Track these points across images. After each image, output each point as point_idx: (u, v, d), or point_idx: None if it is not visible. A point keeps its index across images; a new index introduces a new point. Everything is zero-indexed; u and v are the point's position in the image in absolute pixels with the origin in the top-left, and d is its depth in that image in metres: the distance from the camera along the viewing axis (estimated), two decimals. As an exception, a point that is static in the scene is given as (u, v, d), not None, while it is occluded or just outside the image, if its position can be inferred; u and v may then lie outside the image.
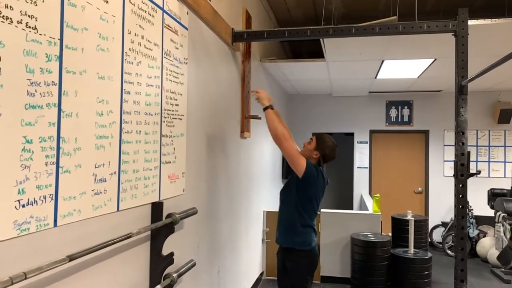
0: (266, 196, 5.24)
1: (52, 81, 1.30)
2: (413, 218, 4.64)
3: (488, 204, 6.22)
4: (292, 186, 2.67)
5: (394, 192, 7.36)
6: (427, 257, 4.41)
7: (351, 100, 7.51)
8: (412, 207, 6.95)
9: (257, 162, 4.69)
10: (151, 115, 1.99)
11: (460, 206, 2.92)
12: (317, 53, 5.16)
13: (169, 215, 2.06)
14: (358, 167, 7.53)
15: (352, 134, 7.56)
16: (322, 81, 6.09)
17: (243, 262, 4.06)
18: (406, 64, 4.86)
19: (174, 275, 2.06)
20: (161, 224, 1.93)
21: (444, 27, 2.94)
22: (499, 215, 5.50)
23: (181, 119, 2.35)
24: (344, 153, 8.15)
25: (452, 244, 6.43)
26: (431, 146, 7.28)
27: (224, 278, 3.35)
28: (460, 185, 2.93)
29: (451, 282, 5.21)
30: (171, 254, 2.05)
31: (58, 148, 1.33)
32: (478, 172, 3.16)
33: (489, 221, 6.32)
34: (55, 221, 1.32)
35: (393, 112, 7.43)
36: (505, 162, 7.01)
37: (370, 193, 7.36)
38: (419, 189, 7.36)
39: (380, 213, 4.89)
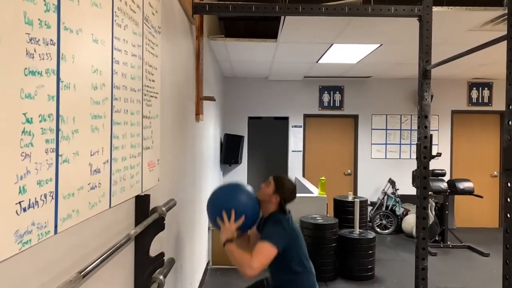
0: (211, 181, 5.01)
1: (51, 39, 0.96)
2: (358, 200, 4.78)
3: (413, 184, 6.68)
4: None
5: (326, 174, 7.50)
6: (371, 237, 4.59)
7: (287, 84, 7.51)
8: (343, 188, 7.24)
9: (207, 146, 4.44)
10: (135, 91, 1.66)
11: (424, 187, 3.02)
12: (253, 34, 4.96)
13: (154, 210, 1.77)
14: (292, 151, 7.60)
15: (287, 118, 7.59)
16: (264, 64, 5.95)
17: (196, 253, 3.82)
18: (351, 49, 4.93)
19: (160, 277, 1.79)
20: (151, 220, 1.64)
21: (411, 11, 2.97)
22: (425, 193, 5.93)
23: (156, 97, 2.04)
24: (279, 137, 8.20)
25: (381, 222, 6.84)
26: (360, 130, 7.61)
27: (184, 272, 3.09)
28: (423, 167, 3.02)
29: (387, 258, 5.59)
30: (161, 255, 1.77)
31: (58, 130, 1.00)
32: (439, 155, 3.31)
33: (411, 199, 6.79)
34: (56, 226, 1.00)
35: (325, 97, 7.59)
36: (423, 144, 7.60)
37: (304, 176, 7.49)
38: (349, 171, 7.68)
39: (325, 195, 4.97)
